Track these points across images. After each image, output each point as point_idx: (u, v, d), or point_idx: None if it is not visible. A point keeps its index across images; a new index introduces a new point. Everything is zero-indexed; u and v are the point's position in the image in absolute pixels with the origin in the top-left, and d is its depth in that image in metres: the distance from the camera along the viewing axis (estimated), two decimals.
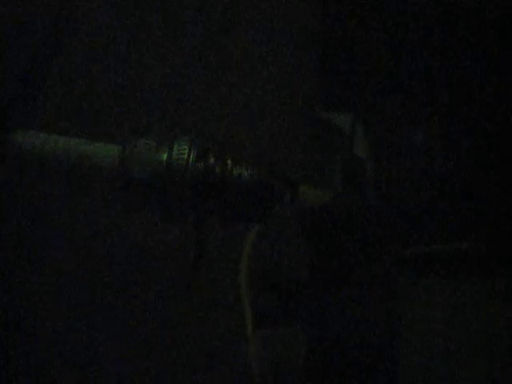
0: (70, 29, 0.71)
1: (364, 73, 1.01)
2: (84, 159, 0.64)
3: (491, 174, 0.98)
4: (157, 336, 1.08)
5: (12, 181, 0.66)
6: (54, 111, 1.01)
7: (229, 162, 0.64)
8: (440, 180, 0.98)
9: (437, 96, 1.00)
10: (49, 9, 0.82)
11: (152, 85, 1.06)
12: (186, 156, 0.63)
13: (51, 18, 0.72)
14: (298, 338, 0.86)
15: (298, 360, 0.86)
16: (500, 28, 0.98)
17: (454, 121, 1.00)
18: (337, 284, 0.79)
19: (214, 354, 1.08)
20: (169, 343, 1.08)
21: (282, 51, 1.08)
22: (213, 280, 1.02)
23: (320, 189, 0.78)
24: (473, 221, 0.97)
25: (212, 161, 0.64)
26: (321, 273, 0.79)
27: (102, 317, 1.07)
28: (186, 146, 0.64)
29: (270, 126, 1.08)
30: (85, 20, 1.02)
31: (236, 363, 1.02)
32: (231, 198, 0.64)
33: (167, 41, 1.07)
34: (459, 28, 0.99)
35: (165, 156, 0.63)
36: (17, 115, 0.66)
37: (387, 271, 0.81)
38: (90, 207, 1.04)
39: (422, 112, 1.00)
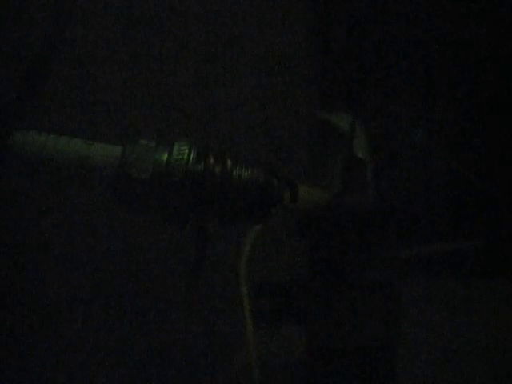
0: (69, 29, 0.71)
1: (364, 73, 1.01)
2: (84, 159, 0.64)
3: (491, 174, 0.99)
4: (156, 336, 1.08)
5: (12, 181, 0.66)
6: (54, 111, 1.01)
7: (229, 162, 0.64)
8: (440, 180, 0.98)
9: (437, 96, 1.00)
10: (49, 9, 0.81)
11: (152, 85, 1.06)
12: (185, 156, 0.63)
13: (51, 18, 0.72)
14: (297, 338, 0.86)
15: (297, 360, 0.86)
16: (500, 28, 0.98)
17: (453, 120, 1.00)
18: (337, 284, 0.79)
19: (213, 354, 1.08)
20: (169, 343, 1.08)
21: (281, 51, 1.08)
22: (213, 280, 1.02)
23: (320, 189, 0.78)
24: (473, 221, 0.97)
25: (212, 161, 0.64)
26: (321, 273, 0.79)
27: (102, 317, 1.07)
28: (186, 147, 0.64)
29: (270, 127, 1.08)
30: (85, 20, 1.02)
31: (236, 363, 1.02)
32: (231, 198, 0.64)
33: (168, 41, 1.07)
34: (459, 28, 0.99)
35: (165, 156, 0.63)
36: (17, 115, 0.66)
37: (387, 271, 0.81)
38: (90, 207, 1.04)
39: (422, 112, 1.00)
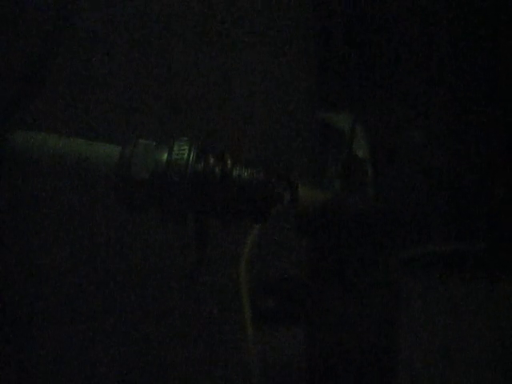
0: (69, 29, 0.71)
1: (364, 73, 1.01)
2: (84, 159, 0.64)
3: (491, 174, 0.99)
4: (157, 336, 1.08)
5: (12, 181, 0.66)
6: (54, 111, 1.01)
7: (229, 162, 0.64)
8: (440, 180, 0.98)
9: (436, 96, 1.00)
10: (49, 9, 0.82)
11: (152, 85, 1.06)
12: (185, 156, 0.63)
13: (51, 18, 0.72)
14: (297, 339, 0.86)
15: (297, 360, 0.86)
16: (499, 28, 0.98)
17: (453, 121, 1.00)
18: (336, 284, 0.79)
19: (214, 354, 1.08)
20: (168, 343, 1.08)
21: (281, 51, 1.08)
22: (213, 280, 1.02)
23: (320, 189, 0.78)
24: (473, 221, 0.97)
25: (212, 161, 0.64)
26: (321, 273, 0.79)
27: (101, 316, 1.07)
28: (186, 146, 0.64)
29: (270, 127, 1.08)
30: (85, 20, 1.02)
31: (236, 363, 1.02)
32: (231, 198, 0.64)
33: (167, 40, 1.07)
34: (459, 28, 0.99)
35: (165, 156, 0.63)
36: (17, 115, 0.66)
37: (387, 272, 0.81)
38: (90, 207, 1.04)
39: (422, 112, 1.00)
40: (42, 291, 1.06)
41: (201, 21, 1.07)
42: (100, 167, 0.64)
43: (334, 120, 0.86)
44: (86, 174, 0.64)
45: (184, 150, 0.64)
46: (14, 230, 1.04)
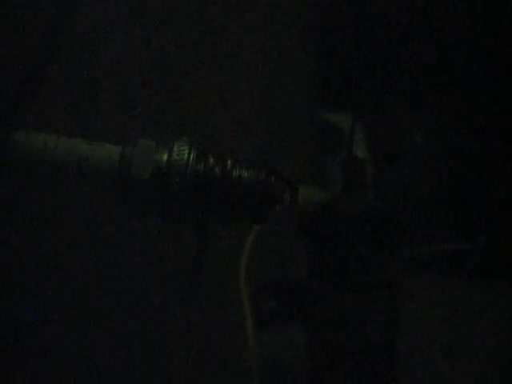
0: (69, 29, 0.71)
1: (364, 73, 1.01)
2: (84, 160, 0.64)
3: (491, 174, 0.99)
4: (157, 336, 1.08)
5: (12, 182, 0.66)
6: (54, 111, 1.01)
7: (228, 162, 0.64)
8: (440, 180, 0.98)
9: (437, 96, 1.00)
10: (49, 9, 0.82)
11: (152, 85, 1.06)
12: (185, 156, 0.63)
13: (51, 18, 0.73)
14: (298, 340, 0.86)
15: (298, 361, 0.86)
16: (500, 28, 0.98)
17: (453, 121, 1.00)
18: (337, 284, 0.79)
19: (213, 354, 1.08)
20: (169, 343, 1.08)
21: (281, 51, 1.08)
22: (213, 280, 1.02)
23: (320, 189, 0.78)
24: (473, 221, 0.97)
25: (212, 161, 0.64)
26: (321, 273, 0.79)
27: (102, 318, 1.07)
28: (185, 147, 0.64)
29: (270, 127, 1.08)
30: (84, 20, 1.02)
31: (236, 364, 1.02)
32: (231, 198, 0.64)
33: (167, 40, 1.07)
34: (459, 28, 0.99)
35: (165, 156, 0.63)
36: (17, 115, 0.66)
37: (387, 272, 0.81)
38: (89, 208, 1.04)
39: (421, 112, 1.00)
40: (41, 291, 1.06)
41: (200, 21, 1.07)
42: (100, 167, 0.64)
43: (334, 120, 0.86)
44: (86, 175, 0.64)
45: (184, 150, 0.64)
46: (14, 230, 1.04)
